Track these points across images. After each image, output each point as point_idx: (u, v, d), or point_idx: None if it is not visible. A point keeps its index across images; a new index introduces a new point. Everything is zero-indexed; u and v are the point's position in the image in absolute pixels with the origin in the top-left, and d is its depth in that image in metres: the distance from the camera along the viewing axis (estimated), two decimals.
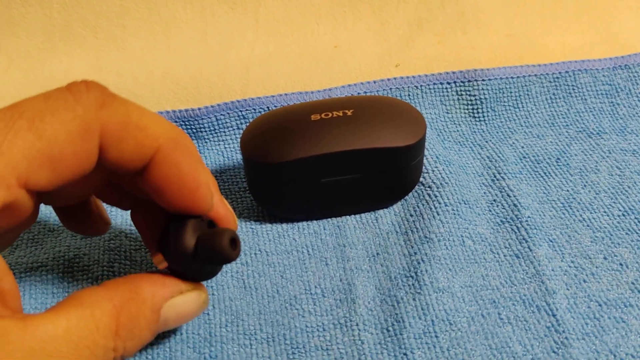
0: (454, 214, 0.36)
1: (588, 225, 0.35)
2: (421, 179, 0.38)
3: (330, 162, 0.33)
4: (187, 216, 0.26)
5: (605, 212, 0.36)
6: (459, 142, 0.41)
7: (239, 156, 0.40)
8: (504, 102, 0.43)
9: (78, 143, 0.22)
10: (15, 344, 0.20)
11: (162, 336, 0.31)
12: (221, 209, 0.27)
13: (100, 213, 0.31)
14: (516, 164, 0.39)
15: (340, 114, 0.34)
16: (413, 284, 0.32)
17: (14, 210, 0.22)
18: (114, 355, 0.23)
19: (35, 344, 0.20)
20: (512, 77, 0.43)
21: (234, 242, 0.26)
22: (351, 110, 0.34)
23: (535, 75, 0.44)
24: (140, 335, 0.24)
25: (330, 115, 0.34)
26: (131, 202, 0.29)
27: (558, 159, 0.40)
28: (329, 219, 0.36)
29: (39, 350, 0.20)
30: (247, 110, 0.41)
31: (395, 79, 0.43)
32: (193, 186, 0.25)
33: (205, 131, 0.41)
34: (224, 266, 0.34)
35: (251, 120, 0.41)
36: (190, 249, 0.25)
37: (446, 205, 0.36)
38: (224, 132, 0.41)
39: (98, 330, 0.22)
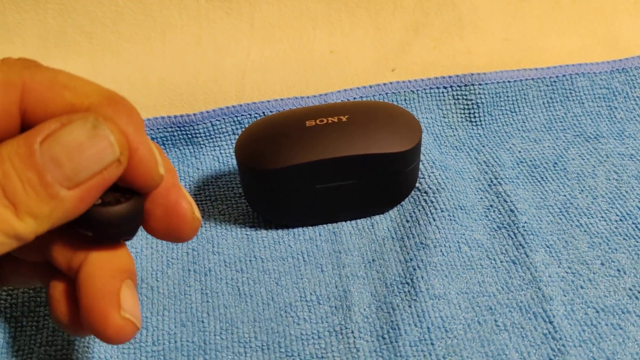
0: (450, 219, 0.35)
1: (585, 231, 0.35)
2: (417, 185, 0.38)
3: (326, 168, 0.33)
4: None
5: (602, 217, 0.36)
6: (456, 146, 0.41)
7: (235, 162, 0.40)
8: (501, 106, 0.43)
9: None
10: None
11: (155, 343, 0.31)
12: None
13: None
14: (513, 169, 0.39)
15: (336, 120, 0.34)
16: (409, 291, 0.32)
17: None
18: (11, 211, 0.20)
19: None
20: (508, 81, 0.43)
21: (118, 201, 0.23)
22: (346, 116, 0.34)
23: (532, 79, 0.43)
24: (20, 175, 0.20)
25: (325, 121, 0.34)
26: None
27: (555, 163, 0.40)
28: (325, 225, 0.36)
29: None
30: (242, 115, 0.41)
31: (391, 83, 0.42)
32: (133, 149, 0.22)
33: (201, 137, 0.41)
34: (219, 273, 0.34)
35: (247, 125, 0.41)
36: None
37: (442, 211, 0.36)
38: (220, 137, 0.41)
39: None
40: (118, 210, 0.23)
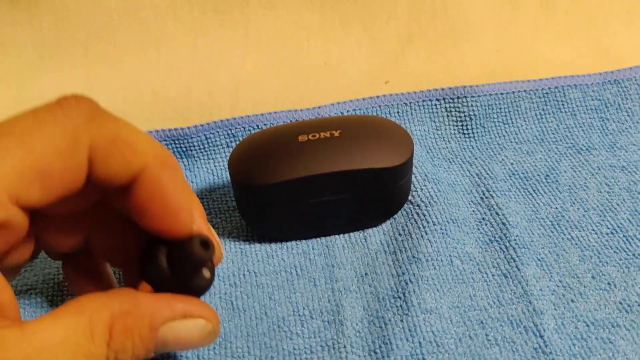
0: (443, 233, 0.36)
1: (576, 244, 0.35)
2: (410, 197, 0.38)
3: (318, 183, 0.33)
4: (164, 241, 0.25)
5: (593, 230, 0.36)
6: (448, 159, 0.41)
7: (229, 175, 0.40)
8: (494, 118, 0.43)
9: (67, 157, 0.22)
10: (12, 351, 0.20)
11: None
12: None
13: (110, 280, 0.31)
14: (505, 181, 0.39)
15: (328, 135, 0.34)
16: (401, 305, 0.32)
17: (9, 229, 0.22)
18: None
19: (33, 352, 0.20)
20: (501, 93, 0.43)
21: (205, 243, 0.25)
22: (338, 131, 0.34)
23: (525, 91, 0.44)
24: (134, 350, 0.23)
25: (317, 136, 0.34)
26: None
27: (547, 175, 0.40)
28: (318, 239, 0.36)
29: (35, 358, 0.20)
30: (236, 128, 0.41)
31: (384, 96, 0.43)
32: (174, 209, 0.25)
33: (195, 149, 0.41)
34: (212, 287, 0.34)
35: (241, 138, 0.41)
36: (165, 266, 0.25)
37: (434, 225, 0.36)
38: (214, 150, 0.41)
39: (94, 339, 0.22)
40: (210, 279, 0.27)
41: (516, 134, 0.43)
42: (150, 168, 0.24)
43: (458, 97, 0.43)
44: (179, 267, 0.25)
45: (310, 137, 0.34)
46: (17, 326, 0.20)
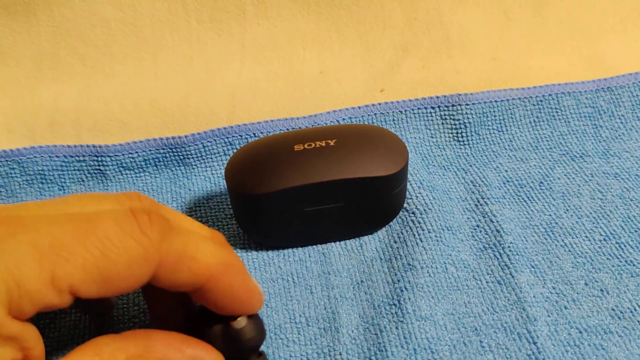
0: (437, 240, 0.36)
1: (569, 251, 0.36)
2: (405, 205, 0.38)
3: (314, 192, 0.34)
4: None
5: (586, 237, 0.37)
6: (443, 166, 0.42)
7: (226, 183, 0.41)
8: (488, 125, 0.43)
9: (135, 269, 0.23)
10: None
11: None
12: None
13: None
14: (499, 188, 0.40)
15: (323, 144, 0.35)
16: (396, 312, 0.33)
17: (50, 307, 0.23)
18: None
19: None
20: (495, 101, 0.44)
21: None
22: (334, 140, 0.35)
23: (519, 98, 0.44)
24: None
25: (313, 145, 0.35)
26: None
27: (541, 182, 0.40)
28: (314, 246, 0.37)
29: None
30: (233, 137, 0.41)
31: (380, 104, 0.43)
32: (246, 299, 0.27)
33: (192, 158, 0.41)
34: None
35: (238, 146, 0.41)
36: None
37: (429, 232, 0.36)
38: (211, 158, 0.42)
39: None
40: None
41: (510, 141, 0.43)
42: (216, 274, 0.26)
43: (453, 105, 0.43)
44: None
45: (306, 146, 0.35)
46: None
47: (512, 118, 0.44)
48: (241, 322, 0.27)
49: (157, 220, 0.24)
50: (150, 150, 0.41)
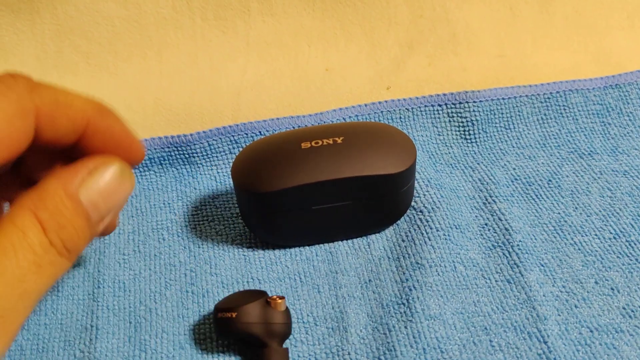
0: (446, 239, 0.36)
1: (579, 249, 0.35)
2: (413, 203, 0.38)
3: (321, 190, 0.33)
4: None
5: (596, 235, 0.36)
6: (451, 164, 0.42)
7: (232, 181, 0.41)
8: (495, 123, 0.43)
9: (15, 124, 0.24)
10: None
11: None
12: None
13: None
14: (507, 187, 0.39)
15: (331, 142, 0.34)
16: (405, 312, 0.32)
17: None
18: (56, 251, 0.23)
19: None
20: (503, 98, 0.43)
21: None
22: (341, 138, 0.34)
23: (527, 95, 0.44)
24: (73, 224, 0.24)
25: (320, 143, 0.34)
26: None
27: (549, 180, 0.40)
28: (321, 245, 0.36)
29: None
30: (239, 135, 0.41)
31: (386, 102, 0.43)
32: (129, 142, 0.28)
33: (198, 156, 0.41)
34: (217, 295, 0.34)
35: (243, 145, 0.41)
36: None
37: (438, 230, 0.36)
38: (216, 157, 0.41)
39: (32, 243, 0.22)
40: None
41: (518, 139, 0.43)
42: (93, 119, 0.26)
43: (460, 103, 0.43)
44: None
45: (313, 144, 0.34)
46: None
47: (519, 115, 0.43)
48: (282, 305, 0.30)
49: (20, 77, 0.25)
50: (155, 149, 0.41)
